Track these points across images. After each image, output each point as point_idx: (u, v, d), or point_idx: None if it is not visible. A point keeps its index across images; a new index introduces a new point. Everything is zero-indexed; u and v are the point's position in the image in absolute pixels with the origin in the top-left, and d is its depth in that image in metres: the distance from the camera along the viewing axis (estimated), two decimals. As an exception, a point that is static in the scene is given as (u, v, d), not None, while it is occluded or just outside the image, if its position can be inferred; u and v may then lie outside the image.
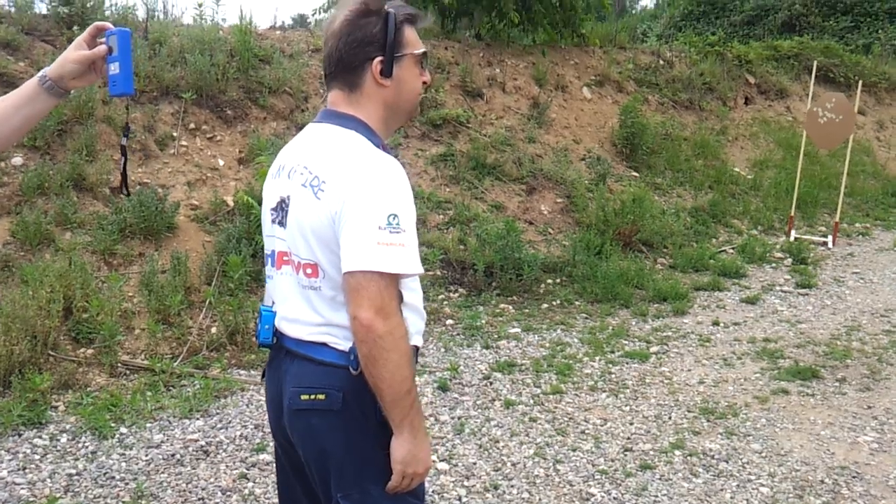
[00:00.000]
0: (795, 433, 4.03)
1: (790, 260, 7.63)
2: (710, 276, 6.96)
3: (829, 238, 8.45)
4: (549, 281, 6.53)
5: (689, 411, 4.25)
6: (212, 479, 3.31)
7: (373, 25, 1.66)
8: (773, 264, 7.55)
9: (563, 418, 4.11)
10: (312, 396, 1.63)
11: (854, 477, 3.58)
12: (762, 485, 3.49)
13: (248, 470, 3.41)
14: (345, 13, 1.68)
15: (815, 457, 3.76)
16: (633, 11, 30.27)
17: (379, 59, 1.65)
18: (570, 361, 4.92)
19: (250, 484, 3.30)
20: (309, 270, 1.63)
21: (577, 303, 6.17)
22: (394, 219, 1.53)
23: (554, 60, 10.19)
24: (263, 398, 4.12)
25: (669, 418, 4.15)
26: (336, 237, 1.57)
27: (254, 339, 4.85)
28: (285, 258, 1.69)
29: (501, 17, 9.73)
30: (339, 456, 1.65)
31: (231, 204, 6.04)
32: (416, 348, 1.71)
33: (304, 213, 1.62)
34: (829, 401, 4.46)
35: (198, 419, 3.86)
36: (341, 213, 1.56)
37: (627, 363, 4.95)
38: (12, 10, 6.82)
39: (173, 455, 3.49)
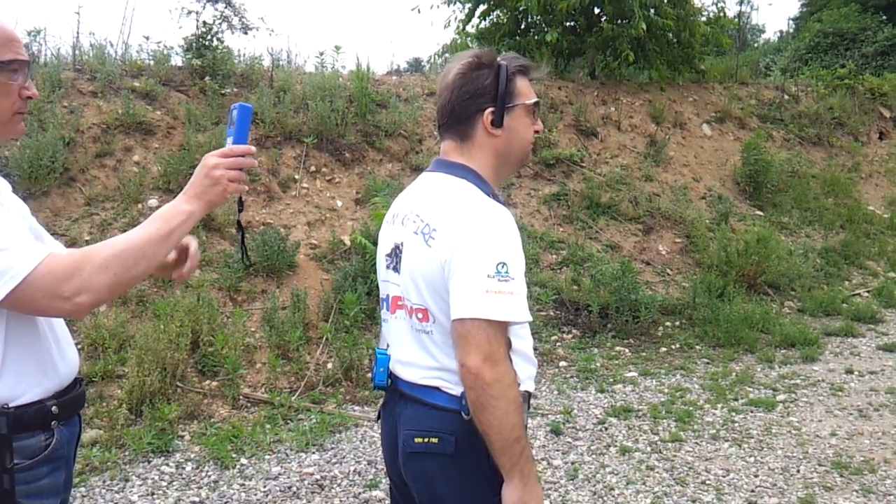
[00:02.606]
0: (945, 495, 3.67)
1: (934, 305, 7.07)
2: (843, 320, 6.53)
3: (980, 281, 7.77)
4: (668, 324, 6.32)
5: (819, 465, 3.96)
6: (325, 514, 3.37)
7: (485, 78, 1.70)
8: (915, 309, 7.01)
9: (682, 467, 3.92)
10: (426, 440, 1.65)
11: None
12: (907, 550, 3.19)
13: (360, 506, 3.44)
14: (458, 66, 1.72)
15: (968, 522, 3.42)
16: (756, 45, 29.35)
17: (490, 109, 1.69)
18: (690, 408, 4.71)
19: (362, 520, 3.33)
20: (420, 315, 1.66)
21: (697, 347, 5.93)
22: (503, 267, 1.54)
23: (671, 97, 10.00)
24: (376, 434, 4.18)
25: (798, 471, 3.88)
26: (446, 284, 1.59)
27: (368, 375, 4.94)
28: (399, 303, 1.73)
29: (616, 56, 9.66)
30: (452, 500, 1.65)
31: (348, 243, 6.22)
32: (528, 394, 1.70)
33: (416, 259, 1.66)
34: (983, 460, 4.05)
35: (314, 453, 3.95)
36: (451, 261, 1.58)
37: (752, 412, 4.69)
38: (151, 62, 7.39)
39: (290, 487, 3.58)
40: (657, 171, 8.66)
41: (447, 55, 10.96)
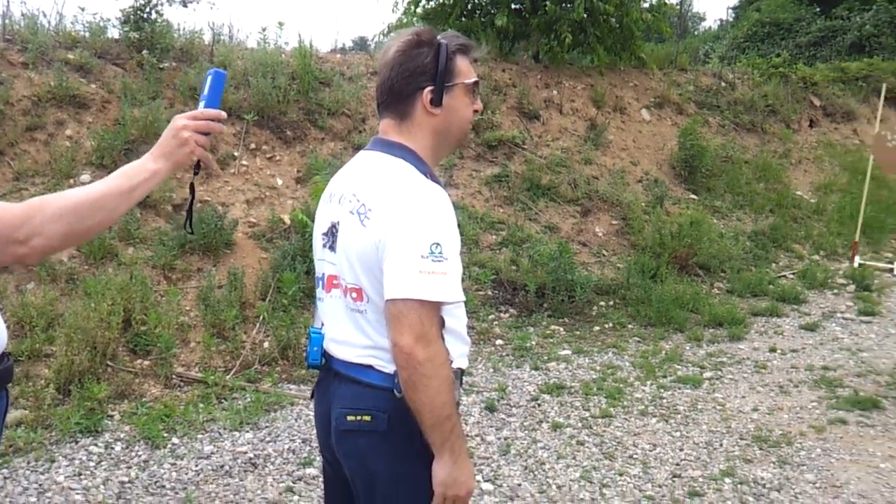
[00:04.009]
0: (852, 465, 3.88)
1: (853, 286, 7.38)
2: (769, 301, 6.78)
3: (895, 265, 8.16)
4: (602, 303, 6.46)
5: (741, 438, 4.14)
6: (259, 492, 3.37)
7: (424, 56, 1.69)
8: (835, 290, 7.31)
9: (611, 442, 4.05)
10: (358, 417, 1.66)
11: (916, 513, 3.43)
12: (816, 517, 3.37)
13: (294, 483, 3.46)
14: (398, 44, 1.72)
15: (872, 490, 3.61)
16: (696, 33, 29.90)
17: (429, 88, 1.69)
18: (621, 385, 4.85)
19: (296, 497, 3.34)
20: (355, 294, 1.67)
21: (629, 326, 6.09)
22: (436, 247, 1.56)
23: (612, 82, 10.15)
24: (312, 413, 4.19)
25: (721, 445, 4.05)
26: (380, 264, 1.60)
27: (304, 354, 4.93)
28: (335, 282, 1.73)
29: (558, 39, 9.74)
30: (385, 476, 1.68)
31: (287, 222, 6.18)
32: (461, 371, 1.73)
33: (351, 239, 1.66)
34: (890, 432, 4.28)
35: (247, 432, 3.94)
36: (385, 241, 1.59)
37: (680, 388, 4.86)
38: (86, 34, 7.16)
39: (222, 466, 3.57)
40: (597, 154, 8.80)
41: (392, 35, 10.88)
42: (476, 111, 1.78)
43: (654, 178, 8.82)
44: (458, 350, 1.72)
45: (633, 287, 6.55)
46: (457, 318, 1.73)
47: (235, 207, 6.23)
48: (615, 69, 10.42)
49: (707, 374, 5.10)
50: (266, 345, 4.91)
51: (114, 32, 7.38)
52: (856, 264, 8.07)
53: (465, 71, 1.74)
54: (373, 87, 8.30)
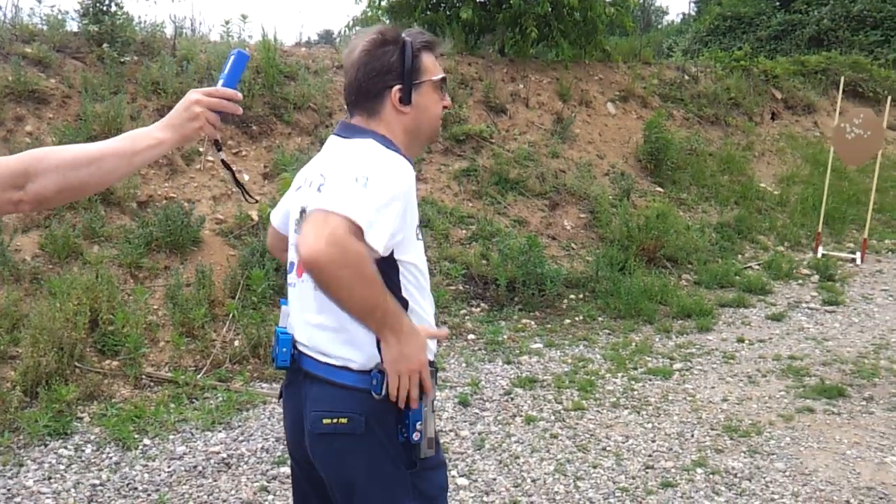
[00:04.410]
0: (820, 452, 3.96)
1: (817, 277, 7.53)
2: (736, 292, 6.89)
3: (858, 255, 8.33)
4: (572, 296, 6.51)
5: (712, 429, 4.20)
6: (233, 492, 3.33)
7: (390, 55, 1.70)
8: (800, 281, 7.45)
9: (584, 435, 4.08)
10: (335, 420, 1.64)
11: (881, 498, 3.50)
12: (786, 504, 3.43)
13: (268, 483, 3.43)
14: (363, 43, 1.72)
15: (840, 476, 3.70)
16: (659, 27, 30.21)
17: (397, 87, 1.70)
18: (593, 378, 4.89)
19: (270, 496, 3.31)
20: None
21: (599, 318, 6.14)
22: (363, 178, 1.55)
23: (578, 76, 10.20)
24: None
25: (692, 436, 4.11)
26: None
27: (272, 356, 4.89)
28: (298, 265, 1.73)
29: (523, 33, 9.77)
30: (364, 479, 1.66)
31: (255, 218, 6.11)
32: (430, 362, 1.71)
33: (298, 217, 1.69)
34: (855, 420, 4.38)
35: (220, 431, 3.90)
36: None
37: (650, 380, 4.91)
38: (44, 27, 6.98)
39: (195, 467, 3.52)
40: (563, 148, 8.84)
41: (357, 28, 10.82)
42: (445, 107, 1.80)
43: (620, 171, 8.90)
44: (429, 345, 1.71)
45: (602, 280, 6.61)
46: (424, 311, 1.73)
47: (202, 204, 6.14)
48: (580, 63, 10.48)
49: (677, 366, 5.17)
50: (236, 343, 4.86)
51: (73, 26, 7.22)
52: (819, 255, 8.23)
53: (432, 67, 1.75)
54: (339, 81, 8.30)
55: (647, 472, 3.68)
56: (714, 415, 4.40)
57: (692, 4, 28.58)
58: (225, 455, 3.64)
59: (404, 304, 1.66)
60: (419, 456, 1.67)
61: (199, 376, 4.47)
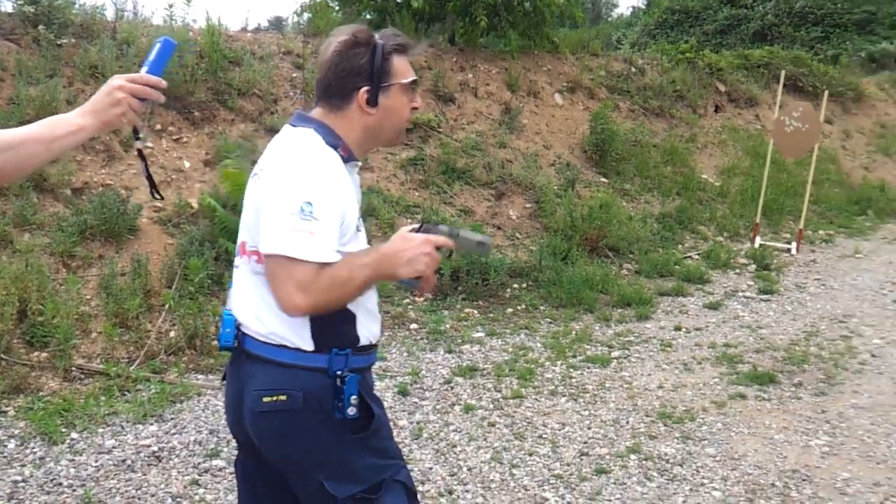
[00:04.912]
0: (750, 437, 4.07)
1: (754, 266, 7.72)
2: (675, 281, 7.02)
3: (793, 245, 8.56)
4: (516, 286, 6.55)
5: (646, 416, 4.28)
6: (162, 486, 3.27)
7: (361, 56, 1.74)
8: (737, 270, 7.63)
9: (521, 423, 4.12)
10: (274, 398, 1.68)
11: (804, 480, 3.62)
12: (714, 489, 3.51)
13: (200, 476, 3.37)
14: (336, 43, 1.76)
15: (767, 461, 3.80)
16: (609, 19, 30.54)
17: (365, 89, 1.74)
18: (532, 366, 4.93)
19: (201, 490, 3.26)
20: (256, 257, 1.73)
21: (542, 307, 6.19)
22: (307, 206, 1.61)
23: (527, 66, 10.23)
24: (220, 402, 4.10)
25: (627, 423, 4.18)
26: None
27: (214, 343, 4.82)
28: (246, 247, 1.79)
29: (473, 22, 9.76)
30: (307, 454, 1.71)
31: (195, 206, 5.99)
32: (371, 345, 1.82)
33: (249, 201, 1.76)
34: (784, 405, 4.51)
35: (152, 424, 3.82)
36: (264, 197, 1.68)
37: (588, 368, 4.98)
38: (-24, 8, 6.73)
39: (124, 461, 3.45)
40: (511, 138, 8.87)
41: (307, 14, 10.69)
42: (415, 108, 1.86)
43: (566, 162, 8.97)
44: (370, 329, 1.80)
45: (545, 269, 6.66)
46: (366, 299, 1.78)
47: (140, 191, 5.99)
48: (529, 53, 10.51)
49: (615, 354, 5.25)
50: (172, 334, 4.77)
51: (7, 6, 6.98)
52: (756, 245, 8.44)
53: (402, 70, 1.79)
54: (285, 68, 8.20)
55: (581, 459, 3.73)
56: (649, 402, 4.48)
57: (642, -3, 28.94)
58: (156, 448, 3.57)
59: None
60: (362, 428, 1.74)
61: (132, 368, 4.38)
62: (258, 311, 1.73)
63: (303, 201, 1.61)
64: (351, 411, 1.68)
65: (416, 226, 1.84)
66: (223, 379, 1.88)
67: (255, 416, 1.71)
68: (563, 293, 6.30)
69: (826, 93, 9.32)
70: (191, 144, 6.73)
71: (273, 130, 7.50)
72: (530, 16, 10.19)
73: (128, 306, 4.72)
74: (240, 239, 1.82)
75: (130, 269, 5.07)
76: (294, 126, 1.78)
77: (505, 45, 10.41)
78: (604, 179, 9.02)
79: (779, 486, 3.55)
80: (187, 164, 6.54)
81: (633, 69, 11.67)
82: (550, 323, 5.89)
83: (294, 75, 8.05)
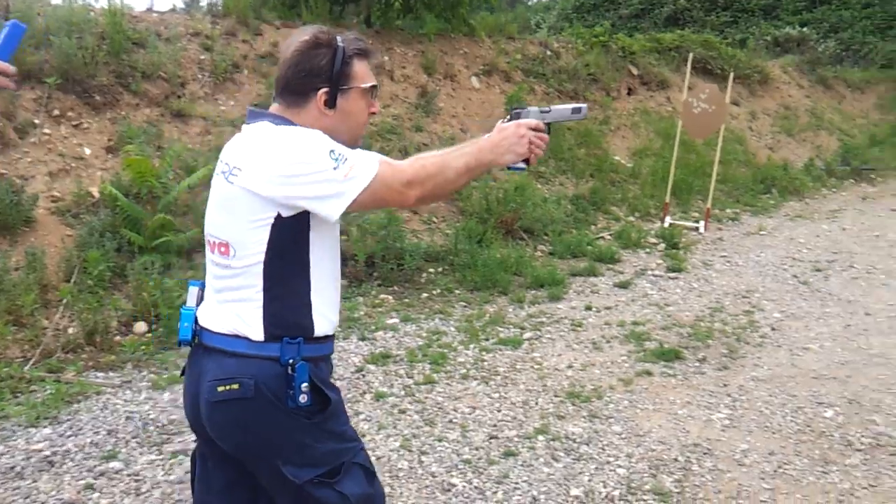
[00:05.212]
0: (655, 413, 4.18)
1: (663, 245, 7.93)
2: (587, 261, 7.15)
3: (701, 224, 8.84)
4: (431, 270, 6.55)
5: (555, 396, 4.35)
6: (53, 492, 3.13)
7: (321, 58, 1.76)
8: (647, 249, 7.83)
9: (432, 408, 4.12)
10: (228, 387, 1.72)
11: (705, 453, 3.73)
12: (619, 466, 3.59)
13: (95, 479, 3.24)
14: (298, 42, 1.78)
15: (671, 436, 3.91)
16: (529, 3, 30.74)
17: (324, 90, 1.77)
18: (445, 350, 4.94)
19: (96, 494, 3.14)
20: (223, 249, 1.76)
21: (457, 291, 6.21)
22: (333, 153, 1.68)
23: (443, 49, 10.19)
24: (119, 401, 3.97)
25: (536, 404, 4.23)
26: (250, 214, 1.69)
27: (116, 338, 4.65)
28: (209, 240, 1.82)
29: (388, 4, 9.66)
30: (264, 442, 1.74)
31: (96, 195, 5.76)
32: (328, 336, 1.85)
33: (217, 195, 1.78)
34: (688, 380, 4.65)
35: (45, 427, 3.66)
36: (277, 181, 1.66)
37: (500, 350, 5.02)
38: None
39: (13, 468, 3.28)
40: (427, 121, 8.84)
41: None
42: (373, 113, 1.89)
43: (483, 145, 8.99)
44: (327, 319, 1.82)
45: (460, 252, 6.68)
46: (326, 285, 1.81)
47: (36, 180, 5.72)
48: (446, 36, 10.48)
49: (527, 335, 5.31)
50: (70, 331, 4.57)
51: None
52: (666, 224, 8.67)
53: (363, 75, 1.82)
54: (193, 50, 7.93)
55: (490, 443, 3.76)
56: (559, 382, 4.55)
57: (560, -20, 29.20)
58: (48, 452, 3.41)
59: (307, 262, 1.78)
60: (317, 413, 1.77)
61: (26, 368, 4.18)
62: (216, 303, 1.79)
63: (326, 155, 1.67)
64: (303, 399, 1.72)
65: (508, 117, 1.92)
66: (182, 374, 1.92)
67: (210, 406, 1.74)
68: (478, 276, 6.33)
69: (732, 75, 9.62)
70: (92, 130, 6.45)
71: (180, 115, 7.25)
72: (446, -1, 10.16)
73: (22, 302, 4.51)
74: (206, 234, 1.84)
75: (25, 262, 4.84)
76: (253, 123, 1.80)
77: (421, 28, 10.34)
78: (519, 162, 9.08)
79: (681, 461, 3.65)
80: (88, 151, 6.27)
81: (549, 52, 11.77)
82: (465, 306, 5.91)
83: (202, 57, 7.80)
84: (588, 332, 5.44)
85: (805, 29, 18.38)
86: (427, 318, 5.58)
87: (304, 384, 1.72)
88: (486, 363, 4.79)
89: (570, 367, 4.80)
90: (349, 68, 1.78)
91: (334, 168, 1.66)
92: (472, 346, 5.06)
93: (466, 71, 10.29)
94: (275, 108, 1.81)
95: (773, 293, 6.51)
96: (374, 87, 1.85)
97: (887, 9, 19.62)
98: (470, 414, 4.07)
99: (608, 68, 12.14)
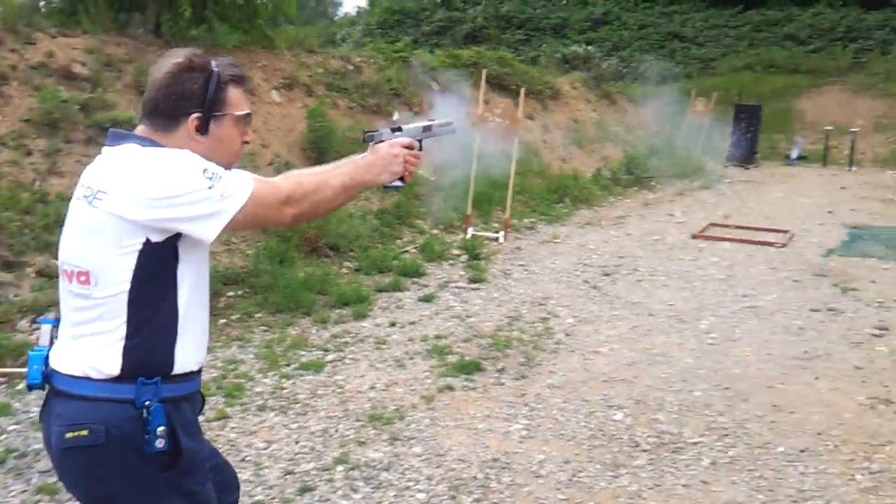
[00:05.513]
0: (455, 430, 4.18)
1: (466, 256, 8.10)
2: (392, 276, 7.12)
3: (501, 234, 9.15)
4: (230, 294, 6.22)
5: (357, 420, 4.23)
6: None
7: (194, 82, 1.72)
8: (451, 261, 7.96)
9: (225, 447, 3.85)
10: (76, 433, 1.62)
11: (503, 468, 3.76)
12: (419, 490, 3.53)
13: None
14: (170, 64, 1.72)
15: (471, 452, 3.91)
16: (335, 18, 30.71)
17: (196, 115, 1.72)
18: (242, 381, 4.68)
19: None
20: (83, 278, 1.66)
21: (257, 315, 5.94)
22: (206, 172, 1.63)
23: (242, 62, 9.67)
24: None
25: (336, 431, 4.09)
26: (118, 239, 1.60)
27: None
28: (65, 269, 1.72)
29: (178, 13, 9.17)
30: (117, 493, 1.66)
31: None
32: (190, 372, 1.75)
33: (77, 221, 1.67)
34: (488, 392, 4.71)
35: None
36: (146, 204, 1.59)
37: (302, 376, 4.84)
38: None
39: None
40: (223, 136, 8.45)
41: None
42: (246, 142, 1.85)
43: (284, 161, 8.75)
44: (191, 355, 1.74)
45: (261, 274, 6.42)
46: (192, 317, 1.73)
47: None
48: (244, 48, 10.11)
49: (330, 357, 5.16)
50: None
51: None
52: (469, 235, 8.88)
53: (237, 102, 1.79)
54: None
55: (286, 479, 3.57)
56: (361, 405, 4.45)
57: (364, -4, 29.52)
58: None
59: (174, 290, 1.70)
60: (171, 466, 1.68)
61: None
62: (70, 339, 1.69)
63: (200, 174, 1.62)
64: (160, 444, 1.64)
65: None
66: (40, 419, 1.79)
67: (60, 453, 1.66)
68: (280, 298, 6.10)
69: (523, 90, 10.06)
70: None
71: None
72: (242, 8, 9.82)
73: None
74: (61, 263, 1.73)
75: None
76: (116, 145, 1.72)
77: (217, 39, 9.91)
78: (322, 178, 8.93)
79: (480, 479, 3.65)
80: None
81: (351, 67, 11.72)
82: (265, 331, 5.66)
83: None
84: (392, 350, 5.39)
85: (590, 47, 19.79)
86: (224, 346, 5.27)
87: (161, 428, 1.64)
88: (285, 391, 4.59)
89: (372, 387, 4.71)
90: (224, 94, 1.75)
91: (209, 187, 1.62)
92: (271, 373, 4.84)
93: (266, 84, 9.97)
94: (141, 129, 1.75)
95: (566, 299, 6.83)
96: (248, 115, 1.82)
97: (660, 30, 21.62)
98: (265, 449, 3.85)
99: (410, 83, 12.30)
